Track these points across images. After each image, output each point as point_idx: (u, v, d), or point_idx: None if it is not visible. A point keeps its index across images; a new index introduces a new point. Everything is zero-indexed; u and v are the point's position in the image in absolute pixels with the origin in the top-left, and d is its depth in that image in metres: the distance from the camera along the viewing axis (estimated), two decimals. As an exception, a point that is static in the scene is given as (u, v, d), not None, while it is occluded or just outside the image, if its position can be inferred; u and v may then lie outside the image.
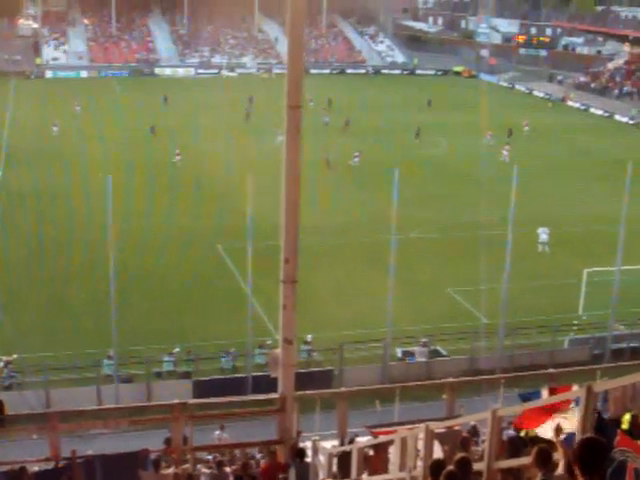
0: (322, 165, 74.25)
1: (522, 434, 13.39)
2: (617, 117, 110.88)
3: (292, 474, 17.79)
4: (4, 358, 37.44)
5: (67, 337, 41.63)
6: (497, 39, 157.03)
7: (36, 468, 18.33)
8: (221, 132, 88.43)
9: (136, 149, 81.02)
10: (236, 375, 39.20)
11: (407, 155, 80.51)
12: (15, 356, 37.79)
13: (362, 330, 42.26)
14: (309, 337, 40.49)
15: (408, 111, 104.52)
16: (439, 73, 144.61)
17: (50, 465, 18.07)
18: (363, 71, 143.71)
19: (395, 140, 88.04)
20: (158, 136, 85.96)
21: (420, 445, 13.79)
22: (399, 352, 41.37)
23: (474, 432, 19.46)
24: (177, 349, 39.99)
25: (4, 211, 62.35)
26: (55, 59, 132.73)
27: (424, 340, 41.20)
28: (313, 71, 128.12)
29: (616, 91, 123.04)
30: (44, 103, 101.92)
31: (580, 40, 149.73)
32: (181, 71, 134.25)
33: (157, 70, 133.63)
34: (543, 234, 55.94)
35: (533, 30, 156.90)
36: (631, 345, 42.81)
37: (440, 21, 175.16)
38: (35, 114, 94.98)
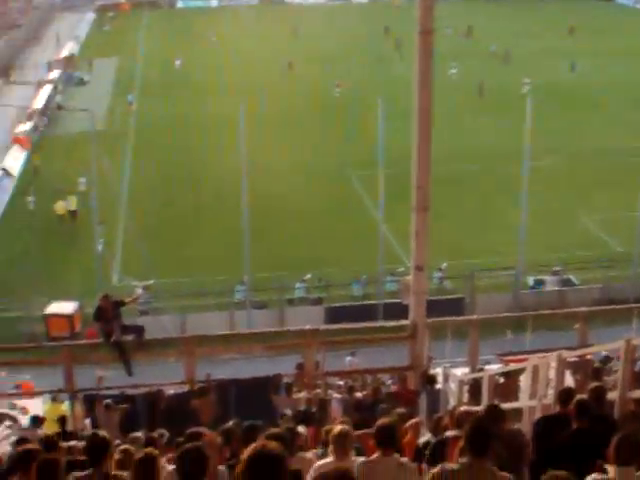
0: (475, 92, 72.85)
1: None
2: None
3: (422, 400, 17.80)
4: (142, 284, 38.34)
5: (201, 264, 42.47)
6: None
7: (172, 391, 18.82)
8: (373, 62, 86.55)
9: (273, 79, 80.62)
10: (367, 302, 39.35)
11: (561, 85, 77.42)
12: (152, 282, 38.68)
13: (493, 258, 41.78)
14: (443, 265, 40.22)
15: (550, 39, 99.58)
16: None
17: (185, 388, 18.53)
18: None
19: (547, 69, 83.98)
20: (292, 71, 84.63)
21: (551, 374, 13.59)
22: (531, 280, 40.79)
23: (606, 362, 19.09)
24: (309, 276, 40.35)
25: (139, 141, 63.70)
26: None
27: (556, 269, 40.48)
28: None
29: None
30: (176, 33, 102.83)
31: None
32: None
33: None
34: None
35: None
36: None
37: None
38: (168, 45, 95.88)
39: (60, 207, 49.96)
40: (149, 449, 7.94)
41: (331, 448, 9.19)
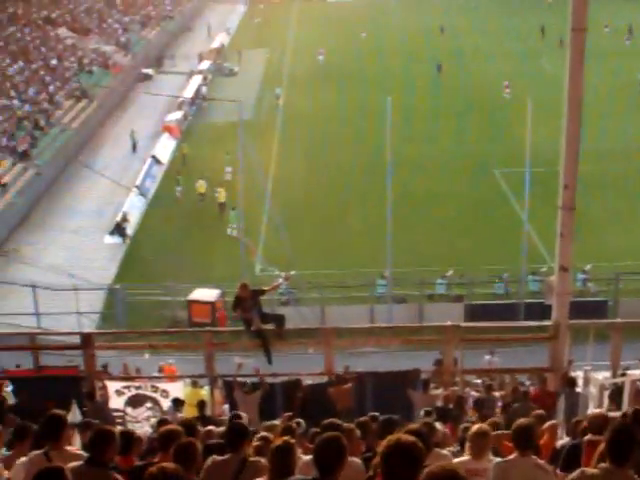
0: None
1: None
2: None
3: (561, 402, 17.49)
4: (283, 274, 38.77)
5: (343, 256, 42.71)
6: None
7: (309, 381, 18.99)
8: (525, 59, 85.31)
9: (421, 74, 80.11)
10: (508, 301, 38.86)
11: None
12: (293, 272, 39.09)
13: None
14: (588, 266, 39.33)
15: None
16: None
17: (323, 379, 18.67)
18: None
19: None
20: (444, 73, 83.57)
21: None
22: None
23: None
24: (450, 272, 40.08)
25: (285, 131, 64.48)
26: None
27: None
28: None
29: None
30: (325, 26, 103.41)
31: None
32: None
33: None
34: None
35: None
36: None
37: None
38: (317, 37, 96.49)
39: (201, 186, 51.66)
40: (286, 438, 8.04)
41: (468, 446, 9.14)
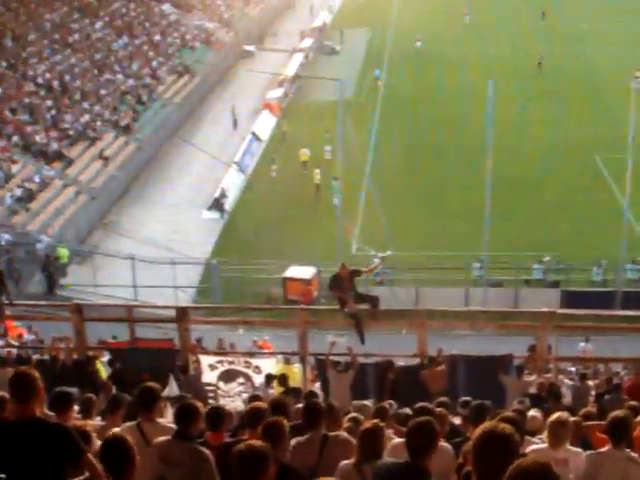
0: None
1: None
2: None
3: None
4: (380, 254, 38.66)
5: (440, 238, 42.47)
6: None
7: (402, 362, 18.94)
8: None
9: (523, 59, 78.86)
10: (605, 288, 38.20)
11: None
12: (389, 253, 38.97)
13: None
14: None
15: None
16: None
17: (416, 361, 18.58)
18: None
19: None
20: (546, 58, 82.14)
21: None
22: None
23: None
24: (547, 258, 39.54)
25: (384, 113, 64.24)
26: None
27: None
28: None
29: None
30: (430, 6, 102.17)
31: None
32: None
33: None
34: None
35: None
36: None
37: None
38: (419, 18, 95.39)
39: (304, 154, 51.90)
40: (376, 421, 8.03)
41: (546, 434, 9.00)
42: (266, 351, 25.54)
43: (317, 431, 8.44)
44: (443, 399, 12.87)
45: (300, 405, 9.81)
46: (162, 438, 7.97)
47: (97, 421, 11.44)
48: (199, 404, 8.23)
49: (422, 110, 63.34)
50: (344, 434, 8.62)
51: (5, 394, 8.65)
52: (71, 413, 9.39)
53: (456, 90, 67.35)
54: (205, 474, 7.36)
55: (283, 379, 17.72)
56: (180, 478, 7.29)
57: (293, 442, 8.41)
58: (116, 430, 8.09)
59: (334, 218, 41.71)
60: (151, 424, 8.41)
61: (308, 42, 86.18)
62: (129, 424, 8.62)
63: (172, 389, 16.52)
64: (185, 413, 8.00)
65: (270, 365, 19.19)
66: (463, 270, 39.28)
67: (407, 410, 11.47)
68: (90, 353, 18.94)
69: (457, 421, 11.88)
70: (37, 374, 6.98)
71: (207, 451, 7.78)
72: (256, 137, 60.53)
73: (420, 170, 52.53)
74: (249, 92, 70.46)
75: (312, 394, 12.68)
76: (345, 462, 7.63)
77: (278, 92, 69.74)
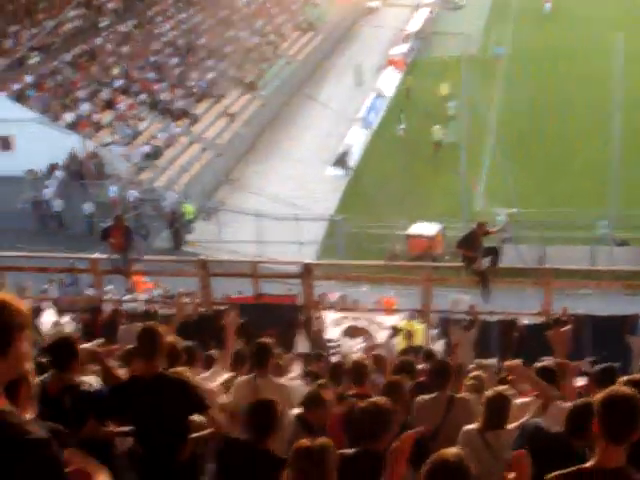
0: None
1: None
2: None
3: None
4: (505, 212, 38.26)
5: (566, 196, 41.69)
6: None
7: (526, 321, 18.73)
8: None
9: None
10: None
11: None
12: (515, 210, 38.51)
13: None
14: None
15: None
16: None
17: (540, 320, 18.37)
18: None
19: None
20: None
21: None
22: None
23: None
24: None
25: (510, 69, 63.09)
26: None
27: None
28: None
29: None
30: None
31: None
32: None
33: None
34: None
35: None
36: None
37: None
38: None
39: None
40: (501, 390, 7.97)
41: None
42: (392, 308, 25.61)
43: (444, 392, 8.44)
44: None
45: (422, 365, 9.78)
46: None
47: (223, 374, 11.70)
48: (327, 394, 8.22)
49: (550, 65, 61.92)
50: (470, 397, 8.57)
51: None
52: (196, 367, 9.61)
53: (585, 45, 65.55)
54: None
55: (409, 335, 17.76)
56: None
57: (419, 400, 8.43)
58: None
59: (458, 176, 41.32)
60: (265, 380, 8.54)
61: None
62: (243, 378, 8.78)
63: (302, 345, 16.77)
64: (312, 402, 8.04)
65: (394, 322, 19.23)
66: (589, 228, 38.46)
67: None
68: (217, 307, 19.30)
69: (582, 382, 11.68)
70: (162, 330, 7.14)
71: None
72: (380, 93, 60.25)
73: (547, 126, 51.49)
74: (373, 48, 70.09)
75: (430, 354, 12.59)
76: (468, 427, 7.60)
77: (403, 48, 69.18)
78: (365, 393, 8.44)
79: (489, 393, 7.75)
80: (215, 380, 10.58)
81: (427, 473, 4.53)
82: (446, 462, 4.61)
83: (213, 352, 11.73)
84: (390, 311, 22.52)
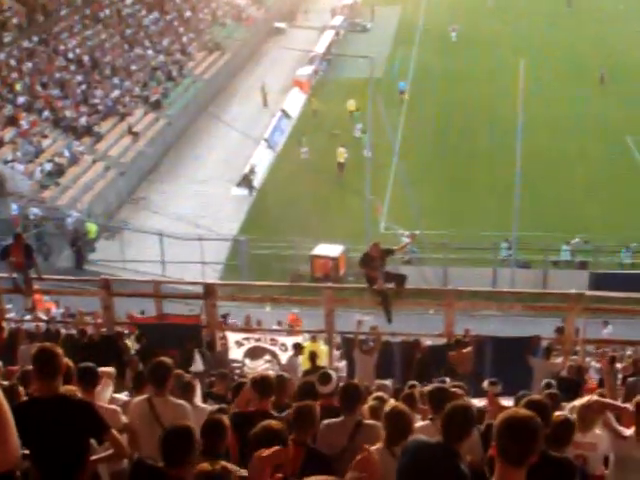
0: None
1: None
2: None
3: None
4: (408, 233, 38.55)
5: (468, 217, 42.36)
6: None
7: (429, 342, 18.91)
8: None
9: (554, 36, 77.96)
10: (635, 271, 37.90)
11: None
12: (417, 232, 38.87)
13: None
14: None
15: None
16: None
17: (442, 341, 18.56)
18: None
19: None
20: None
21: None
22: None
23: None
24: (577, 239, 39.28)
25: (414, 91, 63.94)
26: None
27: None
28: None
29: None
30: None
31: None
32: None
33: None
34: None
35: None
36: None
37: None
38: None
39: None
40: (397, 404, 8.00)
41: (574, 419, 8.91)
42: (293, 328, 25.61)
43: (352, 416, 8.34)
44: (458, 383, 12.71)
45: (327, 388, 9.73)
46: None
47: (124, 396, 11.52)
48: (226, 420, 8.01)
49: (452, 90, 62.94)
50: (378, 423, 8.53)
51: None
52: (97, 389, 9.44)
53: (487, 70, 66.87)
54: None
55: (313, 356, 17.77)
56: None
57: (323, 425, 8.37)
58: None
59: (363, 197, 41.61)
60: (162, 399, 8.43)
61: (339, 20, 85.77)
62: (139, 398, 8.65)
63: (197, 365, 16.61)
64: (212, 429, 7.74)
65: (294, 342, 19.24)
66: (491, 250, 39.09)
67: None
68: (118, 328, 19.08)
69: (482, 402, 11.82)
70: (60, 350, 6.99)
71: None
72: (286, 114, 60.40)
73: (450, 149, 52.28)
74: (279, 69, 70.36)
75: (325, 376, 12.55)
76: (374, 447, 7.60)
77: (308, 69, 69.53)
78: (266, 409, 8.37)
79: (387, 408, 7.76)
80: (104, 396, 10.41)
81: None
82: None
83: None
84: (294, 331, 22.53)
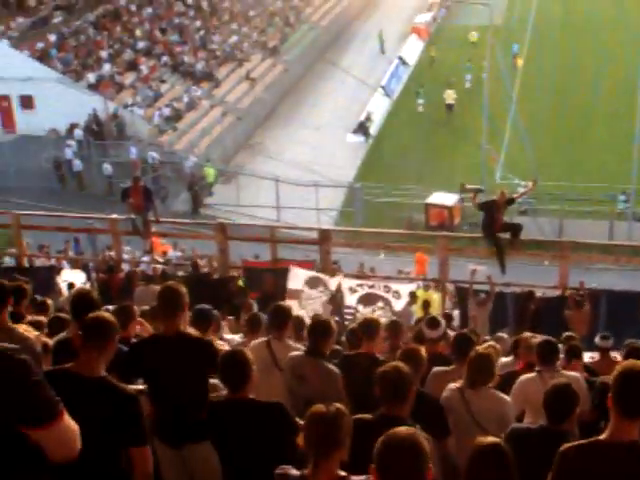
0: None
1: None
2: None
3: None
4: (524, 183, 38.03)
5: (586, 170, 41.50)
6: None
7: (540, 293, 18.68)
8: None
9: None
10: None
11: None
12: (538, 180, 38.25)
13: None
14: None
15: None
16: None
17: (556, 293, 18.33)
18: None
19: None
20: None
21: None
22: None
23: None
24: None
25: (534, 39, 62.57)
26: None
27: None
28: None
29: None
30: None
31: None
32: None
33: None
34: None
35: None
36: None
37: None
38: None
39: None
40: (487, 347, 7.98)
41: None
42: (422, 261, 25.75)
43: (462, 366, 8.30)
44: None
45: (434, 332, 9.73)
46: (295, 353, 8.08)
47: (238, 337, 11.77)
48: (330, 321, 8.21)
49: (572, 38, 61.43)
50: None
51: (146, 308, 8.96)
52: (211, 330, 9.63)
53: (610, 18, 64.95)
54: (333, 392, 7.42)
55: (425, 305, 17.79)
56: (308, 394, 7.38)
57: (434, 371, 8.40)
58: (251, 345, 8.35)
59: (477, 147, 41.18)
60: (280, 343, 8.54)
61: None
62: (259, 341, 8.77)
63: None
64: (319, 330, 8.02)
65: (411, 290, 19.24)
66: (608, 202, 38.29)
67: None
68: (233, 272, 19.38)
69: (594, 356, 11.66)
70: (184, 289, 7.15)
71: (336, 370, 7.83)
72: (403, 61, 59.95)
73: (570, 99, 51.16)
74: (397, 16, 69.63)
75: (449, 317, 12.54)
76: (451, 386, 7.62)
77: (427, 16, 68.76)
78: (372, 352, 8.40)
79: (472, 353, 7.73)
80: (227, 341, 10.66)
81: (378, 450, 4.39)
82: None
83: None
84: (406, 280, 22.50)
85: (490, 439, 5.22)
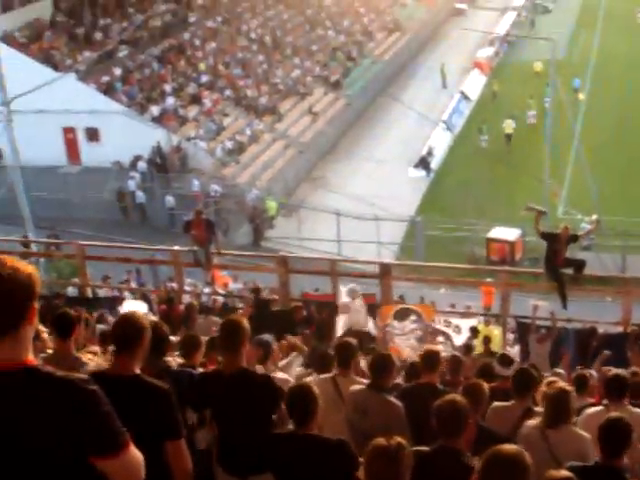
0: None
1: None
2: None
3: None
4: (588, 219, 37.71)
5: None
6: None
7: (602, 330, 18.46)
8: None
9: None
10: None
11: None
12: (595, 217, 37.93)
13: None
14: None
15: None
16: None
17: (618, 329, 18.11)
18: None
19: None
20: None
21: None
22: None
23: None
24: None
25: (597, 75, 62.20)
26: None
27: None
28: None
29: None
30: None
31: None
32: None
33: None
34: None
35: None
36: None
37: None
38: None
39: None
40: (563, 385, 7.92)
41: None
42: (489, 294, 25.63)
43: (522, 402, 8.22)
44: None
45: (508, 370, 9.72)
46: (357, 387, 8.13)
47: (299, 371, 11.83)
48: (394, 356, 8.28)
49: (634, 74, 60.91)
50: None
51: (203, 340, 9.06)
52: (284, 361, 9.72)
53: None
54: (396, 425, 7.43)
55: (486, 340, 17.71)
56: (369, 428, 7.40)
57: (494, 406, 8.36)
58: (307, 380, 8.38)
59: (540, 181, 40.96)
60: (346, 378, 8.57)
61: (521, 1, 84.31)
62: (324, 376, 8.80)
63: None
64: (381, 364, 8.08)
65: (471, 325, 19.17)
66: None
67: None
68: (293, 304, 19.47)
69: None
70: (247, 324, 7.16)
71: (399, 403, 7.86)
72: (465, 96, 59.96)
73: (633, 134, 50.67)
74: (459, 50, 69.74)
75: (507, 358, 12.45)
76: (529, 424, 7.52)
77: (489, 51, 68.75)
78: (434, 383, 8.41)
79: (550, 390, 7.67)
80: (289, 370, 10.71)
81: (483, 466, 4.46)
82: (503, 455, 4.56)
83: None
84: (467, 314, 22.41)
85: (563, 473, 5.19)
